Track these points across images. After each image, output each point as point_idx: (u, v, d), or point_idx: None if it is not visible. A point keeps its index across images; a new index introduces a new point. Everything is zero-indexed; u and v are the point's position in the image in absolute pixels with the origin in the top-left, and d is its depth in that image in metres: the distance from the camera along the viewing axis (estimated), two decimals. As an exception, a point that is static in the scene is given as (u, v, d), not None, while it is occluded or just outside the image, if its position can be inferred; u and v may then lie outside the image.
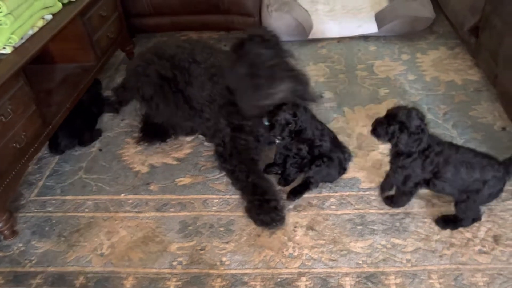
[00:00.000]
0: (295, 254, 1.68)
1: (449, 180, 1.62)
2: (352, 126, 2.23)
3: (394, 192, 1.81)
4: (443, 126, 2.18)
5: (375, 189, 1.90)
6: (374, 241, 1.69)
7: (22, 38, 1.95)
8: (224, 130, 2.03)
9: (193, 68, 2.14)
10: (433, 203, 1.81)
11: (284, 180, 1.96)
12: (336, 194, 1.90)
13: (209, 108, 2.11)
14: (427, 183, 1.68)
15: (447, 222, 1.71)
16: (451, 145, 1.66)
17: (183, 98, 2.17)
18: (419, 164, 1.62)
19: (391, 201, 1.82)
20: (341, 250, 1.67)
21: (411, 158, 1.62)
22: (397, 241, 1.69)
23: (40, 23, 2.07)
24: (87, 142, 2.31)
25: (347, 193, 1.90)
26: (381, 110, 2.29)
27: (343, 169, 1.94)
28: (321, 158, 1.85)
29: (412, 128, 1.56)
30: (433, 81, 2.52)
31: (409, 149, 1.60)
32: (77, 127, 2.30)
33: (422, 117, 1.59)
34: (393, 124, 1.58)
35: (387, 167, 1.97)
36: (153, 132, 2.29)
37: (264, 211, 1.80)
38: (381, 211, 1.81)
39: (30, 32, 2.00)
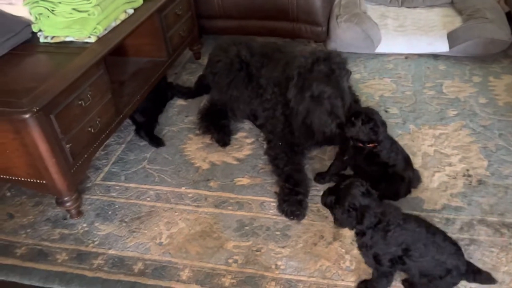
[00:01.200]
0: (352, 267, 1.65)
1: (417, 260, 1.41)
2: (417, 145, 2.17)
3: (372, 276, 1.54)
4: (515, 154, 2.08)
5: (439, 211, 1.84)
6: (436, 265, 1.63)
7: (105, 29, 2.05)
8: (277, 118, 2.11)
9: (276, 55, 2.26)
10: (501, 233, 1.73)
11: None
12: (397, 211, 1.85)
13: (272, 90, 2.17)
14: (401, 261, 1.44)
15: None
16: (418, 220, 1.48)
17: (254, 77, 2.27)
18: (381, 239, 1.42)
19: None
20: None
21: (367, 236, 1.44)
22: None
23: (123, 16, 2.16)
24: (149, 137, 2.34)
25: (408, 213, 1.84)
26: (449, 131, 2.23)
27: (409, 190, 1.88)
28: (393, 176, 1.80)
29: (345, 205, 1.40)
30: (507, 106, 2.40)
31: (348, 225, 1.45)
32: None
33: (365, 193, 1.40)
34: (330, 195, 1.45)
35: (453, 190, 1.92)
36: (211, 122, 2.35)
37: (289, 201, 1.86)
38: (445, 235, 1.74)
39: (113, 24, 2.10)
